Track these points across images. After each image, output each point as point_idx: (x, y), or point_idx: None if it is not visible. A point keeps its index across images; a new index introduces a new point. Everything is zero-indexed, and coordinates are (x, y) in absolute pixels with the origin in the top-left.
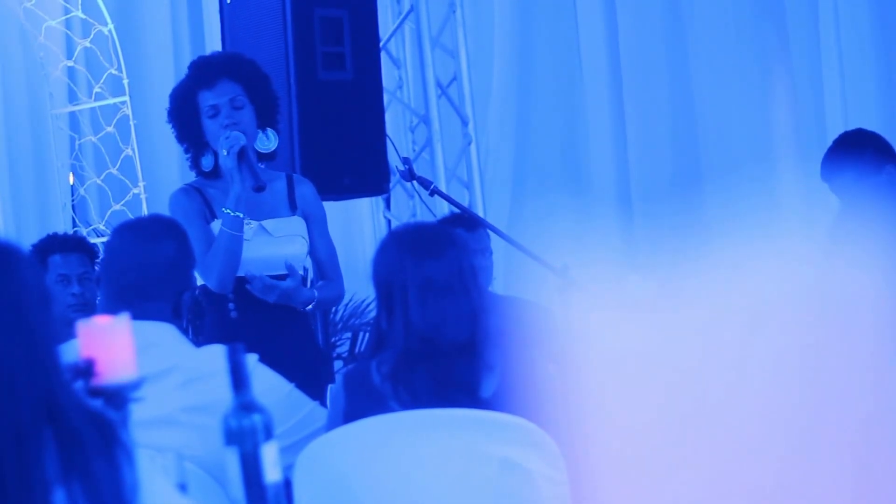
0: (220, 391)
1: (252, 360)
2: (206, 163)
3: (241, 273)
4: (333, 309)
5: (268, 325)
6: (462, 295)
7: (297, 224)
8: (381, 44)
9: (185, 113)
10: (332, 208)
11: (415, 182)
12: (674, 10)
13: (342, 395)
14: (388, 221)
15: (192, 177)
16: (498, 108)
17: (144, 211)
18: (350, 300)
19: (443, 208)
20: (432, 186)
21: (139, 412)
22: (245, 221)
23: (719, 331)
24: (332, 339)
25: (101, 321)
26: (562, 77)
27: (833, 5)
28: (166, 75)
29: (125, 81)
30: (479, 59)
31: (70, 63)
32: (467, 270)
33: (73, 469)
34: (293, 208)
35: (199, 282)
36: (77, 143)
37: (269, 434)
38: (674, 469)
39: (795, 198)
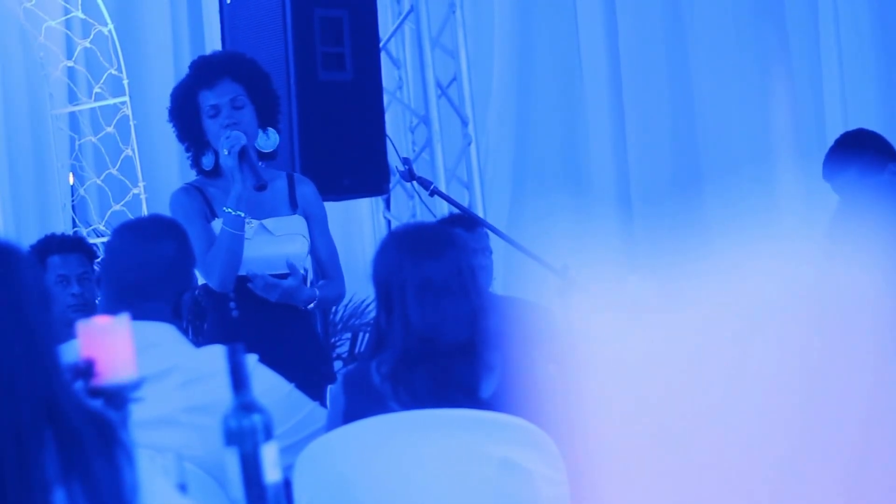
0: (220, 391)
1: (252, 360)
2: (207, 162)
3: (242, 272)
4: (333, 309)
5: (269, 324)
6: (461, 295)
7: (297, 223)
8: (381, 44)
9: (185, 112)
10: (332, 208)
11: (415, 182)
12: (674, 10)
13: (342, 396)
14: (388, 222)
15: (192, 177)
16: (498, 108)
17: (144, 211)
18: (350, 300)
19: (443, 208)
20: (432, 187)
21: (139, 412)
22: (246, 220)
23: (719, 331)
24: (332, 340)
25: (101, 321)
26: (562, 77)
27: (833, 5)
28: (166, 75)
29: (125, 82)
30: (479, 59)
31: (70, 63)
32: (466, 271)
33: (73, 469)
34: (294, 207)
35: (201, 281)
36: (77, 143)
37: (268, 434)
38: (674, 469)
39: (795, 198)
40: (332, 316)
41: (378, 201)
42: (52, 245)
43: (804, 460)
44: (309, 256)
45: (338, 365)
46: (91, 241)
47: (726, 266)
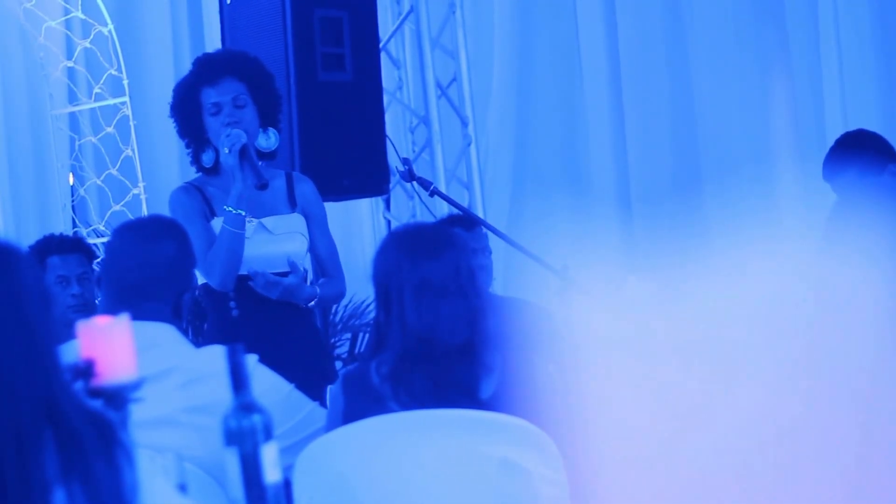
0: (220, 392)
1: (252, 360)
2: (207, 159)
3: (242, 271)
4: (333, 309)
5: (269, 323)
6: (459, 296)
7: (296, 221)
8: (380, 44)
9: (187, 108)
10: (332, 209)
11: (415, 183)
12: (674, 10)
13: (341, 396)
14: (388, 222)
15: (192, 177)
16: (498, 108)
17: (144, 211)
18: (350, 301)
19: (443, 209)
20: (432, 187)
21: (139, 413)
22: (246, 219)
23: (719, 331)
24: (332, 340)
25: (101, 322)
26: (562, 77)
27: (833, 5)
28: (166, 76)
29: (125, 82)
30: (479, 59)
31: (70, 63)
32: (464, 272)
33: (73, 470)
34: (293, 205)
35: (200, 281)
36: (77, 143)
37: (268, 435)
38: (673, 469)
39: (795, 198)
40: (332, 316)
41: (378, 201)
42: (51, 245)
43: (804, 460)
44: (309, 255)
45: (338, 365)
46: (91, 241)
47: (726, 266)
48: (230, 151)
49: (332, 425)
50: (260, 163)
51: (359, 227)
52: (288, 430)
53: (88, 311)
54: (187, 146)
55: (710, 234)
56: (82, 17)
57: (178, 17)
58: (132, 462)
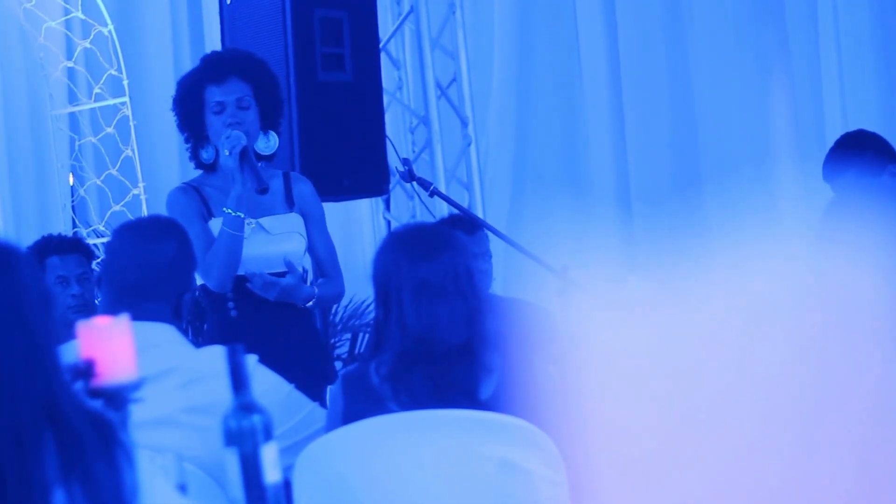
0: (220, 392)
1: (252, 360)
2: (207, 156)
3: (240, 272)
4: (333, 310)
5: (268, 324)
6: (457, 297)
7: (294, 221)
8: (380, 45)
9: (190, 104)
10: (332, 209)
11: (414, 183)
12: (673, 10)
13: (341, 396)
14: (388, 222)
15: (192, 177)
16: (498, 108)
17: (144, 211)
18: (350, 301)
19: (442, 209)
20: (432, 187)
21: (139, 413)
22: (246, 221)
23: (719, 331)
24: (332, 340)
25: (101, 322)
26: (561, 78)
27: (832, 6)
28: (166, 76)
29: (125, 82)
30: (479, 59)
31: (70, 64)
32: (462, 273)
33: (73, 470)
34: (290, 205)
35: (199, 281)
36: (77, 143)
37: (268, 435)
38: (673, 470)
39: (795, 198)
40: (332, 316)
41: (378, 202)
42: (50, 246)
43: (804, 460)
44: (307, 255)
45: (337, 366)
46: (91, 241)
47: (726, 266)
48: (230, 153)
49: (331, 426)
50: (260, 164)
51: (359, 228)
52: (288, 431)
53: (88, 311)
54: (186, 140)
55: (710, 234)
56: (82, 17)
57: (178, 17)
58: (132, 462)
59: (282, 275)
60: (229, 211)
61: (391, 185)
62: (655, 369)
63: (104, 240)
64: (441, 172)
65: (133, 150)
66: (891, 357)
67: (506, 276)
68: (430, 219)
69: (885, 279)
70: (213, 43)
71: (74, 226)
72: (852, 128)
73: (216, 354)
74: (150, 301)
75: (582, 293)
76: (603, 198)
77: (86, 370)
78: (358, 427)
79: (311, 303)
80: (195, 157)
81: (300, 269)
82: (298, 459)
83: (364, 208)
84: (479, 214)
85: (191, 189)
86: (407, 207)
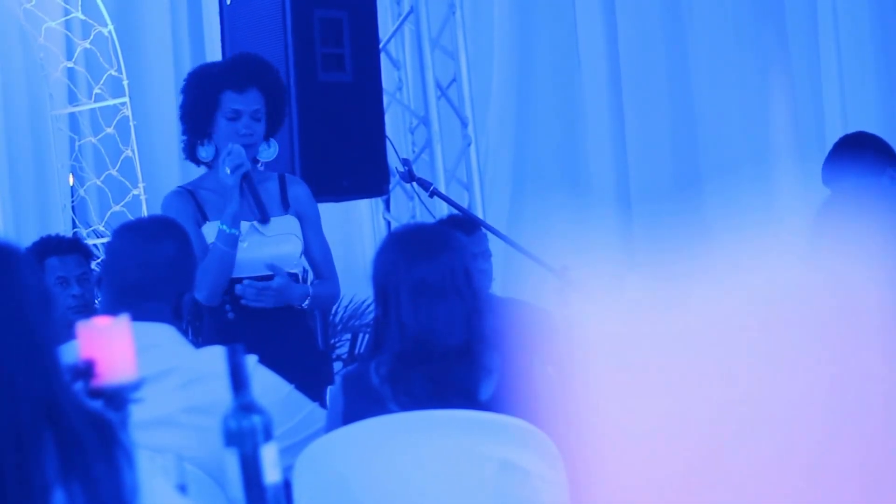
0: (220, 392)
1: (252, 361)
2: (206, 154)
3: (236, 274)
4: (333, 310)
5: (265, 326)
6: (455, 297)
7: (290, 223)
8: (380, 45)
9: (203, 100)
10: (332, 210)
11: (414, 183)
12: (673, 10)
13: (341, 397)
14: (388, 223)
15: (191, 177)
16: (497, 109)
17: (144, 212)
18: (350, 301)
19: (442, 209)
20: (432, 188)
21: (139, 413)
22: (237, 235)
23: (719, 331)
24: (332, 341)
25: (101, 322)
26: (561, 78)
27: (832, 6)
28: (166, 76)
29: (125, 82)
30: (479, 60)
31: (70, 64)
32: (461, 273)
33: (73, 470)
34: (286, 207)
35: None
36: (77, 144)
37: (268, 435)
38: (673, 470)
39: (794, 198)
40: (331, 317)
41: (378, 202)
42: (49, 246)
43: (806, 460)
44: (304, 256)
45: (337, 366)
46: (91, 241)
47: (726, 266)
48: (231, 172)
49: (331, 426)
50: (260, 165)
51: (359, 228)
52: (288, 431)
53: (88, 311)
54: (184, 132)
55: (710, 233)
56: (82, 17)
57: (178, 17)
58: (132, 462)
59: (269, 278)
60: (224, 227)
61: (391, 186)
62: (655, 369)
63: (104, 240)
64: (441, 173)
65: (133, 151)
66: (891, 357)
67: (505, 276)
68: (429, 219)
69: (885, 279)
70: (213, 43)
71: (74, 226)
72: (852, 128)
73: (216, 355)
74: (150, 301)
75: (581, 293)
76: (603, 198)
77: (86, 370)
78: (358, 427)
79: (306, 302)
80: (190, 151)
81: (298, 270)
82: (298, 460)
83: (364, 209)
84: (479, 214)
85: (186, 193)
86: (407, 208)
